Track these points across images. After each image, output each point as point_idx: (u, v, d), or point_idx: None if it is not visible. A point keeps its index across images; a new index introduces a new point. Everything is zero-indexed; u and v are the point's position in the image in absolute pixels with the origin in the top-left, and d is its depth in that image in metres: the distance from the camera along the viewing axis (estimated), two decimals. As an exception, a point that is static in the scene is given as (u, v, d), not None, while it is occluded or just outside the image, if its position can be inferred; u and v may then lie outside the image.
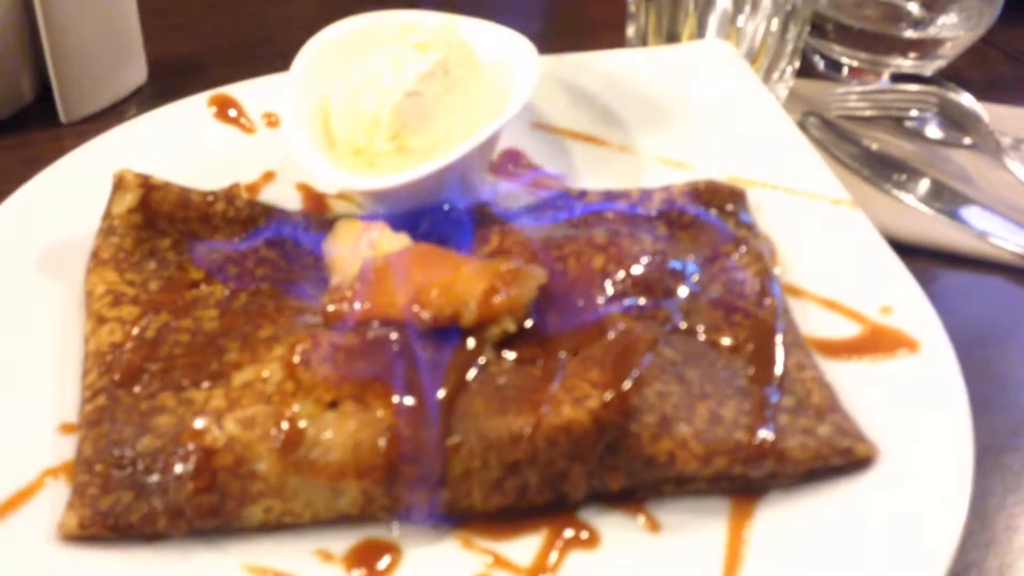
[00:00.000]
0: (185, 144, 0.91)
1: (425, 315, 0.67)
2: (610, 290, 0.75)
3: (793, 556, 0.64)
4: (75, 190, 0.85)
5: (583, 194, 0.88)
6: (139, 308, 0.73)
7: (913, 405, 0.71)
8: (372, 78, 0.81)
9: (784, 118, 0.95)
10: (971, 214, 0.97)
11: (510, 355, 0.69)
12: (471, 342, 0.69)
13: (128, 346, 0.70)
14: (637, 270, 0.77)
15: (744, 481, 0.68)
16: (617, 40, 1.14)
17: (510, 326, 0.69)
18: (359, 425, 0.63)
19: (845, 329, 0.79)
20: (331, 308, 0.69)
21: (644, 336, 0.71)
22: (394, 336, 0.67)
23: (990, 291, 0.93)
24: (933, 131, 1.07)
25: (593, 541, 0.66)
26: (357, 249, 0.76)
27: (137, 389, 0.67)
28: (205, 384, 0.67)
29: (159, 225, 0.79)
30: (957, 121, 1.05)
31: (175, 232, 0.79)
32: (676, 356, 0.72)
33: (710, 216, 0.85)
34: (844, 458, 0.67)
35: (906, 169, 1.02)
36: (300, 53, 0.87)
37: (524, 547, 0.65)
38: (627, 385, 0.66)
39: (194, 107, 0.94)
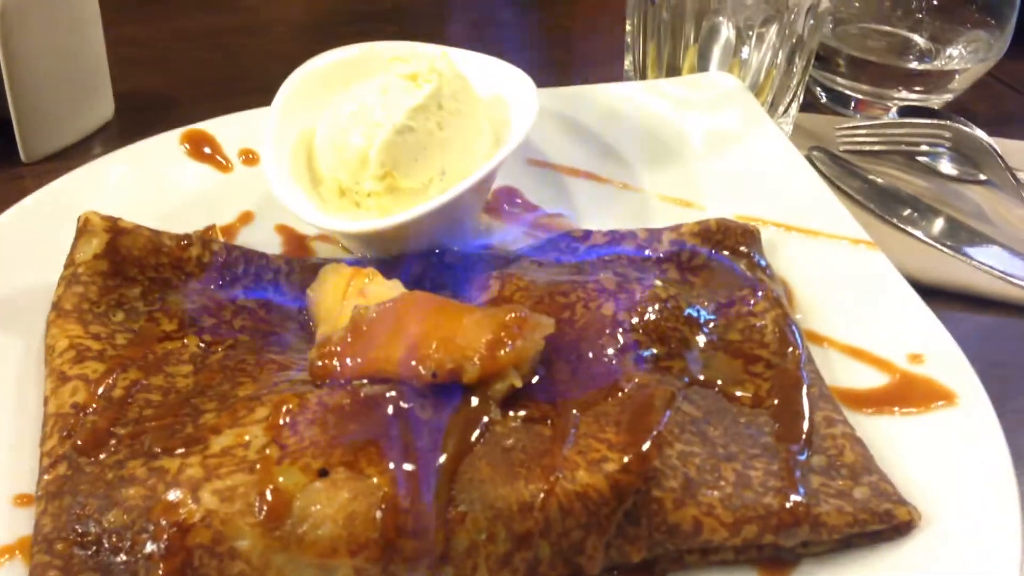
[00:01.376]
0: (156, 184, 0.85)
1: (424, 371, 0.61)
2: (622, 340, 0.69)
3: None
4: (36, 235, 0.78)
5: (587, 235, 0.82)
6: (105, 365, 0.66)
7: (953, 463, 0.66)
8: (360, 112, 0.76)
9: (795, 154, 0.90)
10: (989, 253, 0.92)
11: (517, 414, 0.63)
12: (474, 400, 0.62)
13: (93, 407, 0.63)
14: (650, 318, 0.71)
15: (774, 550, 0.61)
16: (614, 73, 1.10)
17: (516, 381, 0.63)
18: (352, 495, 0.56)
19: (872, 379, 0.73)
20: (319, 364, 0.63)
21: (662, 390, 0.65)
22: (389, 395, 0.61)
23: (1015, 334, 0.87)
24: (946, 166, 1.02)
25: (614, 621, 0.59)
26: (346, 297, 0.69)
27: (103, 456, 0.60)
28: (179, 451, 0.59)
29: (128, 272, 0.72)
30: (970, 156, 1.00)
31: (145, 280, 0.73)
32: (696, 412, 0.66)
33: (723, 258, 0.79)
34: (883, 523, 0.61)
35: (918, 206, 0.98)
36: (283, 85, 0.81)
37: (536, 628, 0.58)
38: (647, 446, 0.60)
39: (165, 144, 0.87)
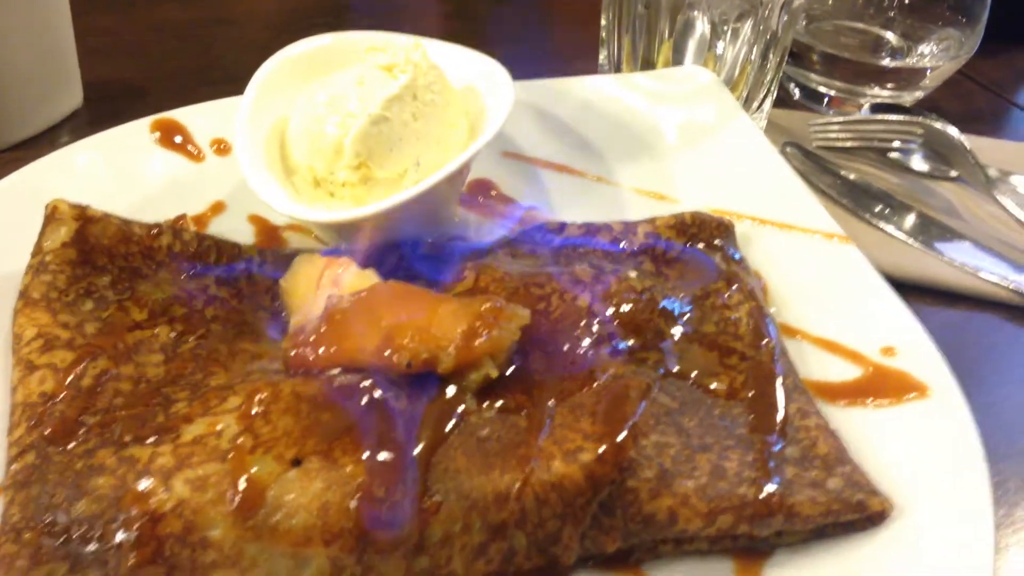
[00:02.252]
0: (126, 173, 0.83)
1: (398, 360, 0.60)
2: (597, 331, 0.69)
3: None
4: (2, 223, 0.77)
5: (562, 227, 0.81)
6: (74, 353, 0.65)
7: (926, 454, 0.66)
8: (335, 101, 0.75)
9: (769, 148, 0.90)
10: (960, 249, 0.93)
11: (493, 404, 0.63)
12: (449, 390, 0.62)
13: (61, 396, 0.62)
14: (625, 309, 0.71)
15: (749, 540, 0.62)
16: (589, 67, 1.09)
17: (492, 372, 0.63)
18: (326, 485, 0.56)
19: (846, 372, 0.73)
20: (293, 353, 0.62)
21: (637, 381, 0.65)
22: (364, 384, 0.60)
23: (985, 329, 0.88)
24: (918, 163, 1.03)
25: (592, 612, 0.59)
26: (320, 287, 0.69)
27: (72, 446, 0.59)
28: (150, 440, 0.59)
29: (97, 261, 0.71)
30: (942, 153, 1.01)
31: (115, 269, 0.71)
32: (672, 403, 0.66)
33: (698, 251, 0.79)
34: (856, 513, 0.62)
35: (890, 201, 0.98)
36: (256, 73, 0.80)
37: (510, 620, 0.58)
38: (623, 436, 0.60)
39: (135, 133, 0.86)
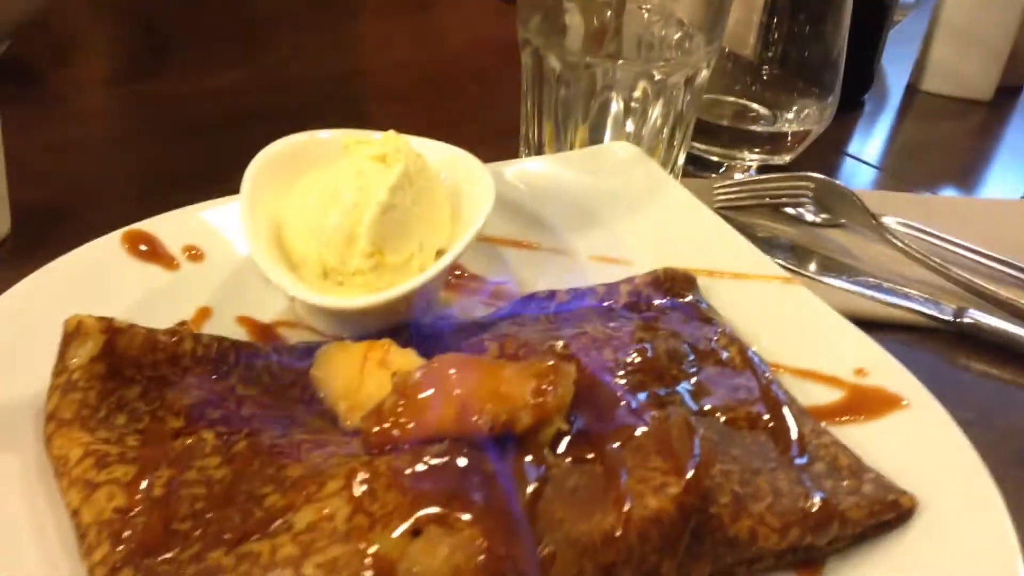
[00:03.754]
0: (106, 288, 0.81)
1: (482, 424, 0.63)
2: (628, 382, 0.74)
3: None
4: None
5: (551, 294, 0.86)
6: (133, 466, 0.63)
7: (922, 456, 0.74)
8: (337, 193, 0.77)
9: (704, 208, 0.99)
10: (866, 283, 1.04)
11: (565, 456, 0.66)
12: (528, 447, 0.65)
13: (138, 509, 0.60)
14: (642, 361, 0.76)
15: (806, 552, 0.67)
16: (511, 150, 1.16)
17: (563, 425, 0.66)
18: (451, 549, 0.57)
19: (827, 396, 0.81)
20: (375, 430, 0.64)
21: (680, 419, 0.70)
22: (454, 452, 0.62)
23: (907, 351, 0.99)
24: (810, 215, 1.15)
25: (690, 638, 0.63)
26: (364, 370, 0.70)
27: (172, 554, 0.58)
28: (257, 536, 0.58)
29: (125, 373, 0.69)
30: (828, 204, 1.13)
31: (143, 379, 0.70)
32: (714, 436, 0.72)
33: (677, 303, 0.86)
34: (893, 512, 0.68)
35: (796, 250, 1.09)
36: (247, 171, 0.81)
37: (628, 657, 0.61)
38: (698, 466, 0.65)
39: (108, 247, 0.84)
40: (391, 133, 0.83)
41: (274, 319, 0.84)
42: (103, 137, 1.23)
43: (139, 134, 1.24)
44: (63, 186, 1.11)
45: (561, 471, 0.65)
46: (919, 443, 0.75)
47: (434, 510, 0.59)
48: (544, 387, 0.65)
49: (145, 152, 1.18)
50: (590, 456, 0.67)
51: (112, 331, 0.70)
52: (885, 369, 0.82)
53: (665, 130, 1.08)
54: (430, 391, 0.65)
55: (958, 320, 1.00)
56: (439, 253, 0.82)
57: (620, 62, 1.04)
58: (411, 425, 0.64)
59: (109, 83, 1.42)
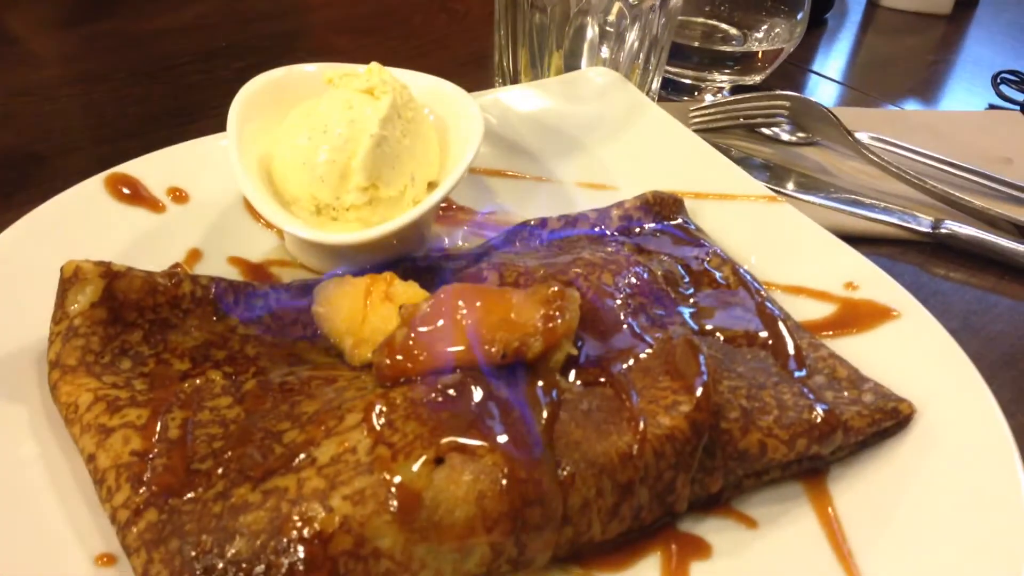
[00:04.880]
0: (93, 233, 0.80)
1: (496, 351, 0.63)
2: (630, 304, 0.75)
3: (883, 516, 0.66)
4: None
5: (543, 222, 0.86)
6: (146, 409, 0.63)
7: (916, 364, 0.75)
8: (327, 128, 0.76)
9: (686, 130, 0.99)
10: (845, 199, 1.06)
11: (576, 380, 0.67)
12: (540, 373, 0.65)
13: (156, 451, 0.60)
14: (642, 284, 0.77)
15: (810, 461, 0.69)
16: (485, 80, 1.15)
17: (573, 349, 0.67)
18: (474, 476, 0.58)
19: (820, 310, 0.82)
20: (388, 363, 0.64)
21: (685, 339, 0.71)
22: (468, 380, 0.62)
23: (899, 268, 1.00)
24: (786, 134, 1.16)
25: (706, 550, 0.65)
26: (369, 304, 0.70)
27: (195, 493, 0.58)
28: (282, 470, 0.58)
29: (127, 317, 0.69)
30: (803, 123, 1.14)
31: (145, 323, 0.69)
32: (717, 354, 0.73)
33: (668, 226, 0.87)
34: (893, 419, 0.70)
35: (774, 169, 1.10)
36: (230, 111, 0.79)
37: (647, 571, 0.62)
38: (706, 383, 0.66)
39: (92, 191, 0.82)
40: (375, 65, 0.82)
41: (265, 258, 0.83)
42: (67, 79, 1.20)
43: (104, 75, 1.20)
44: (31, 131, 1.08)
45: (574, 395, 0.66)
46: (912, 352, 0.77)
47: (455, 438, 0.59)
48: (552, 312, 0.66)
49: (113, 93, 1.15)
50: (600, 379, 0.68)
51: (111, 275, 0.69)
52: (874, 282, 0.83)
53: (641, 54, 1.07)
54: (440, 322, 0.65)
55: (936, 231, 1.02)
56: (431, 185, 0.81)
57: (594, -15, 1.03)
58: (424, 356, 0.64)
59: (66, 24, 1.37)
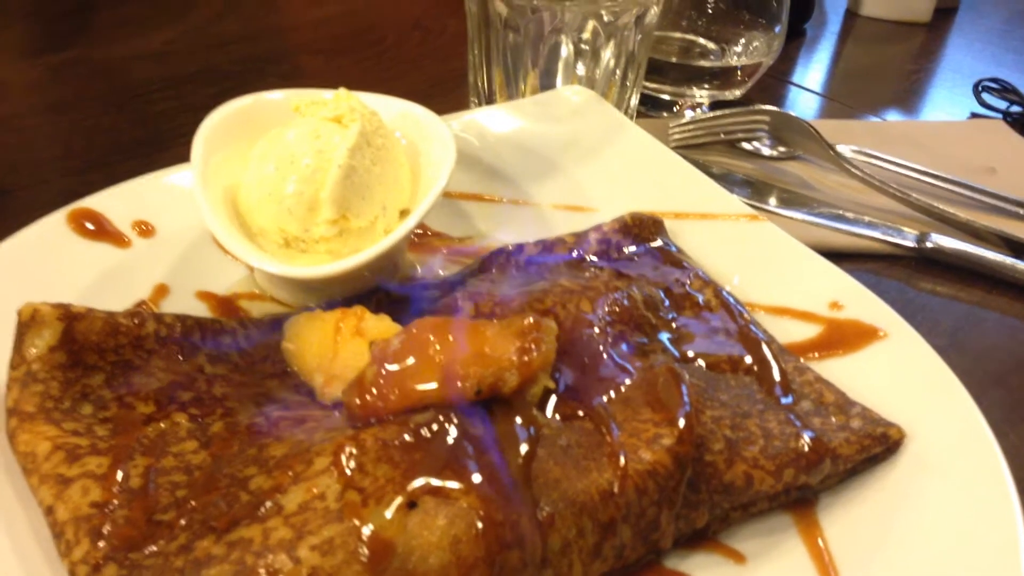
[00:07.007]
0: (56, 271, 0.77)
1: (469, 387, 0.61)
2: (609, 333, 0.72)
3: (874, 545, 0.64)
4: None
5: (519, 248, 0.84)
6: (107, 457, 0.60)
7: (904, 386, 0.73)
8: (294, 158, 0.74)
9: (664, 148, 0.97)
10: (830, 215, 1.04)
11: (555, 414, 0.65)
12: (516, 408, 0.63)
13: (116, 503, 0.58)
14: (622, 310, 0.75)
15: (799, 491, 0.67)
16: (459, 100, 1.13)
17: (550, 383, 0.65)
18: (449, 521, 0.55)
19: (805, 331, 0.80)
20: (358, 402, 0.61)
21: (666, 368, 0.69)
22: (441, 419, 0.60)
23: (884, 284, 0.99)
24: (766, 149, 1.14)
25: (694, 587, 0.62)
26: (340, 340, 0.68)
27: (157, 547, 0.55)
28: (247, 520, 0.56)
29: (88, 360, 0.66)
30: (784, 137, 1.12)
31: (107, 365, 0.67)
32: (700, 383, 0.71)
33: (647, 248, 0.85)
34: (882, 444, 0.68)
35: (754, 185, 1.08)
36: (195, 141, 0.77)
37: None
38: (688, 414, 0.64)
39: (54, 228, 0.80)
40: (342, 91, 0.79)
41: (234, 292, 0.80)
42: (33, 109, 1.17)
43: (71, 104, 1.18)
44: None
45: (552, 430, 0.63)
46: (900, 373, 0.75)
47: (428, 481, 0.57)
48: (528, 345, 0.64)
49: (80, 122, 1.13)
50: (579, 412, 0.65)
51: (70, 317, 0.66)
52: (859, 301, 0.81)
53: (618, 72, 1.05)
54: (411, 359, 0.63)
55: (921, 245, 1.01)
56: (403, 213, 0.79)
57: (568, 3, 1.01)
58: (395, 395, 0.61)
59: (29, 53, 1.35)
